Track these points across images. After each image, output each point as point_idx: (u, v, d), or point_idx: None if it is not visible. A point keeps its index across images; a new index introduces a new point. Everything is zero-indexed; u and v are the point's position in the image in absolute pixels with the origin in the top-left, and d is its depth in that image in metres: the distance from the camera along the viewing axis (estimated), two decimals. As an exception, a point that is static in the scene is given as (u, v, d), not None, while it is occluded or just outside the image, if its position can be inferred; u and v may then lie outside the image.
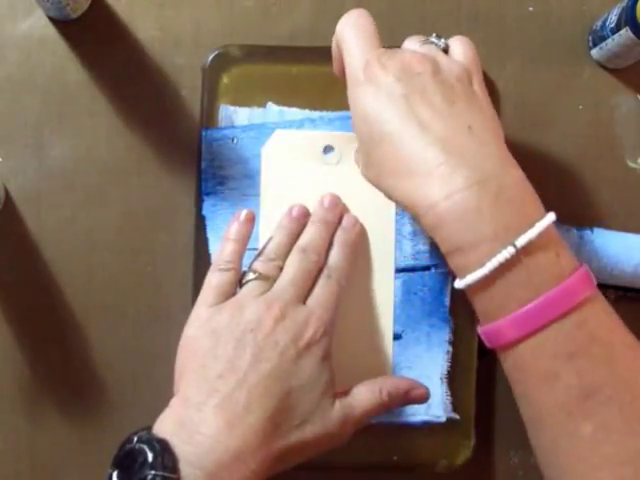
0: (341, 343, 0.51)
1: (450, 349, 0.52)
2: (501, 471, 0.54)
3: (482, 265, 0.37)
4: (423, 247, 0.52)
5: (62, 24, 0.54)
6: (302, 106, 0.53)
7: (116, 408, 0.53)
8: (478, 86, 0.42)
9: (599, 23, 0.54)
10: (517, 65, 0.56)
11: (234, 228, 0.48)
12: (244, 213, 0.49)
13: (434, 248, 0.52)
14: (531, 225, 0.37)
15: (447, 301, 0.52)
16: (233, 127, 0.53)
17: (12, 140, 0.53)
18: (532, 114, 0.55)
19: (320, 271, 0.47)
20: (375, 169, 0.41)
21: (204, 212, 0.52)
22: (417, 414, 0.52)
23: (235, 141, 0.52)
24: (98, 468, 0.53)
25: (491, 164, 0.38)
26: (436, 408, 0.52)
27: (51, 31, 0.54)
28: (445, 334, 0.52)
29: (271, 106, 0.53)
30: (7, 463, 0.53)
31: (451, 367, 0.52)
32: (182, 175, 0.54)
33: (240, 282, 0.47)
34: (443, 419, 0.52)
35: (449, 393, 0.52)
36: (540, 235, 0.37)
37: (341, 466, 0.51)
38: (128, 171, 0.54)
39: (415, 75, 0.40)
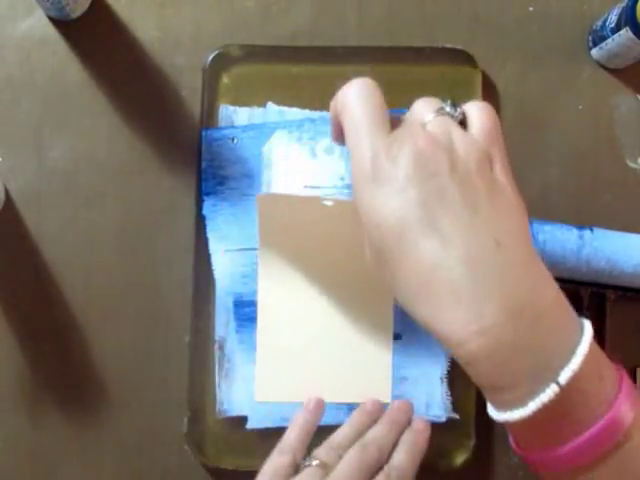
0: (341, 344, 0.51)
1: (450, 349, 0.52)
2: (501, 471, 0.54)
3: (523, 405, 0.34)
4: (423, 247, 0.52)
5: (62, 24, 0.54)
6: (302, 106, 0.53)
7: (115, 408, 0.53)
8: (500, 169, 0.37)
9: (599, 23, 0.54)
10: (517, 65, 0.56)
11: (303, 418, 0.48)
12: (313, 403, 0.49)
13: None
14: (572, 351, 0.34)
15: (447, 301, 0.52)
16: (233, 127, 0.53)
17: (12, 140, 0.53)
18: (532, 114, 0.55)
19: (380, 468, 0.45)
20: (389, 279, 0.37)
21: (204, 212, 0.52)
22: (417, 414, 0.52)
23: (235, 141, 0.53)
24: (98, 467, 0.53)
25: (525, 289, 0.34)
26: (436, 408, 0.52)
27: (51, 31, 0.54)
28: (445, 334, 0.52)
29: (271, 106, 0.53)
30: (7, 462, 0.53)
31: (451, 367, 0.52)
32: (182, 175, 0.54)
33: (300, 465, 0.46)
34: (443, 419, 0.52)
35: (449, 393, 0.52)
36: (583, 362, 0.33)
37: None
38: (128, 171, 0.54)
39: (430, 175, 0.35)
